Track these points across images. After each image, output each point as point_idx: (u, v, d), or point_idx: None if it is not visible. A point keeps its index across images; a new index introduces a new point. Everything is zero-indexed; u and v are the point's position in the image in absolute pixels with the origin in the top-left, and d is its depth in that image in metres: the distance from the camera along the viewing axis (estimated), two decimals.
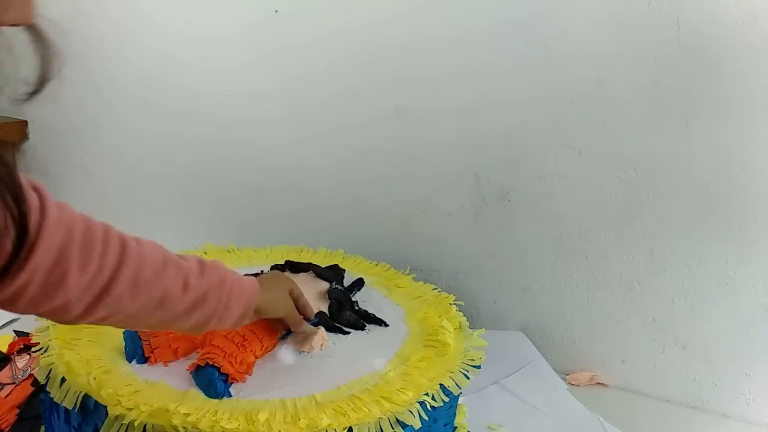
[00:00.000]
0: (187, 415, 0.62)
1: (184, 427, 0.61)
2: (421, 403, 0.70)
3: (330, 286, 0.93)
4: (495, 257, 1.15)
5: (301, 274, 0.98)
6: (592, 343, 1.10)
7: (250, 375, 0.73)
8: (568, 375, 1.10)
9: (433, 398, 0.72)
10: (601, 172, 1.03)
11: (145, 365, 0.74)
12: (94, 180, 1.48)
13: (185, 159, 1.42)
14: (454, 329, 0.85)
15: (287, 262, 1.01)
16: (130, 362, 0.74)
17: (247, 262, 1.07)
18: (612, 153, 1.01)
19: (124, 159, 1.46)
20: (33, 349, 0.76)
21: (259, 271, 0.97)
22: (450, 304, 0.93)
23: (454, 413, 0.83)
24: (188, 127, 1.38)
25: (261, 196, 1.36)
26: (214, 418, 0.63)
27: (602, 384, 1.09)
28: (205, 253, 1.07)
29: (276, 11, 1.22)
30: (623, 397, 1.06)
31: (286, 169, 1.32)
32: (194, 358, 0.74)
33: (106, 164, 1.48)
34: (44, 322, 0.79)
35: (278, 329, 0.80)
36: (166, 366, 0.74)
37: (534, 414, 0.98)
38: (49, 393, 0.70)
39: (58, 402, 0.67)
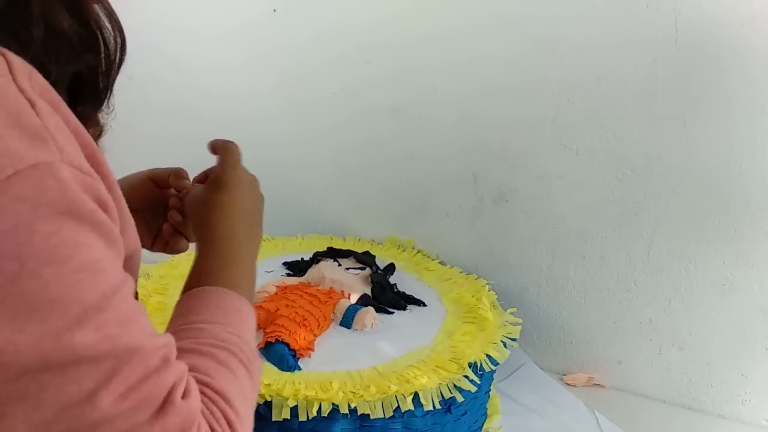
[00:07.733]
0: (270, 385, 0.69)
1: (270, 395, 0.68)
2: (474, 370, 0.79)
3: (372, 272, 1.01)
4: (492, 258, 1.14)
5: (345, 260, 1.07)
6: (589, 343, 1.10)
7: (313, 351, 0.81)
8: (565, 376, 1.10)
9: (481, 367, 0.80)
10: (599, 173, 1.03)
11: None
12: None
13: (182, 157, 1.41)
14: (490, 305, 0.94)
15: (329, 248, 1.09)
16: None
17: (282, 249, 1.15)
18: (610, 153, 1.01)
19: (123, 157, 1.44)
20: None
21: (299, 259, 1.08)
22: (483, 285, 1.02)
23: (492, 379, 0.92)
24: (186, 124, 1.37)
25: None
26: (294, 387, 0.70)
27: (599, 385, 1.09)
28: None
29: (274, 10, 1.21)
30: (620, 398, 1.05)
31: (283, 168, 1.31)
32: (258, 338, 0.81)
33: None
34: None
35: (330, 310, 0.89)
36: None
37: (529, 415, 0.98)
38: None
39: None
